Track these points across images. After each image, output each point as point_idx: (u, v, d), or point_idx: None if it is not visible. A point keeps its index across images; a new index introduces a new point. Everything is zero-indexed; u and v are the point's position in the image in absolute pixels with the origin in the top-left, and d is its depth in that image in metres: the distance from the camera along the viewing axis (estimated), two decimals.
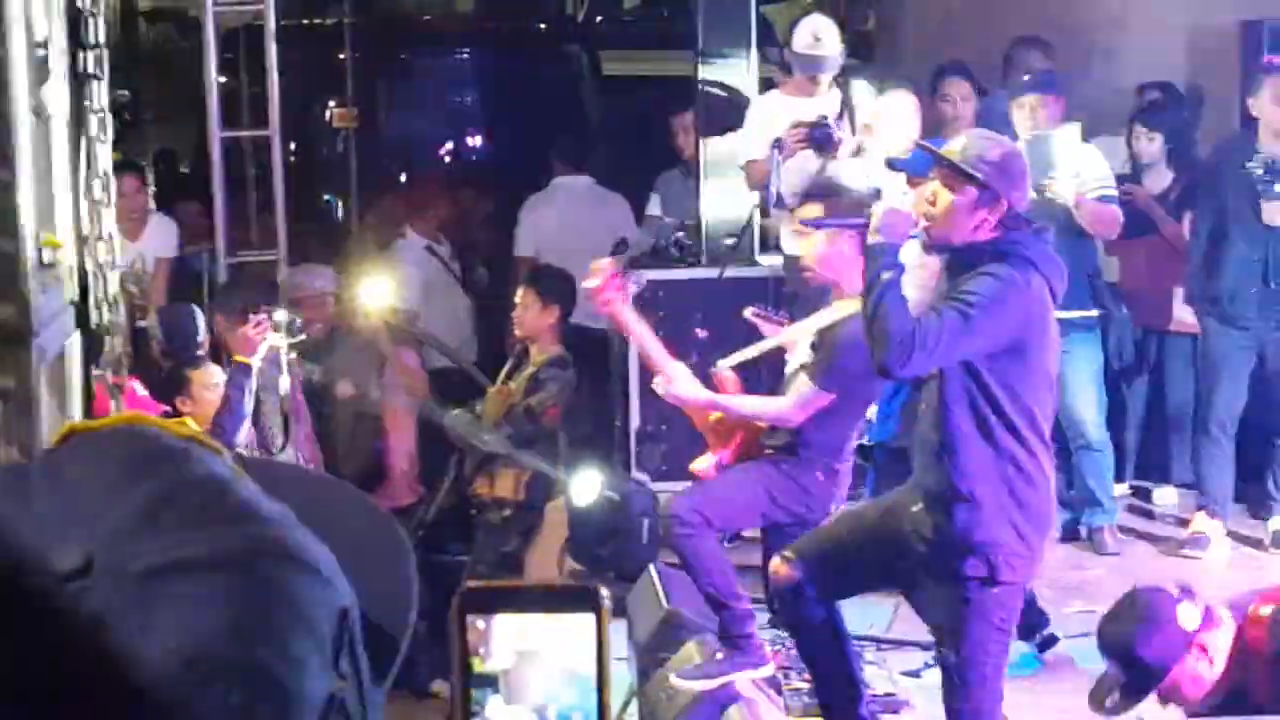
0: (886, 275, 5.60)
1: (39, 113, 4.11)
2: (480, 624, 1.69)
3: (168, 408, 7.49)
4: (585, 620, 1.70)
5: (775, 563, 6.20)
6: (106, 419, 1.48)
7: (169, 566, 1.28)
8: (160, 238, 10.63)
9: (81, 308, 4.42)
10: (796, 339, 7.12)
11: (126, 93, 8.53)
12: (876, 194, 6.85)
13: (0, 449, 3.95)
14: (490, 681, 1.69)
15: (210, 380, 7.80)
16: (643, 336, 7.20)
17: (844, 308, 6.63)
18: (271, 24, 10.61)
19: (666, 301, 9.87)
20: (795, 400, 6.85)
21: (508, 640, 1.69)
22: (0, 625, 1.24)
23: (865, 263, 5.81)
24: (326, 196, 13.28)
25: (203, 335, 8.54)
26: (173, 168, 14.02)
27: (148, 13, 13.56)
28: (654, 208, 11.33)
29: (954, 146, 5.80)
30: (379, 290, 9.48)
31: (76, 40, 4.45)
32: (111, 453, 1.37)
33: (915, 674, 7.47)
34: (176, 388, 7.87)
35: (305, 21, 13.12)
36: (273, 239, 10.46)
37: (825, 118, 9.02)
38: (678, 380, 7.06)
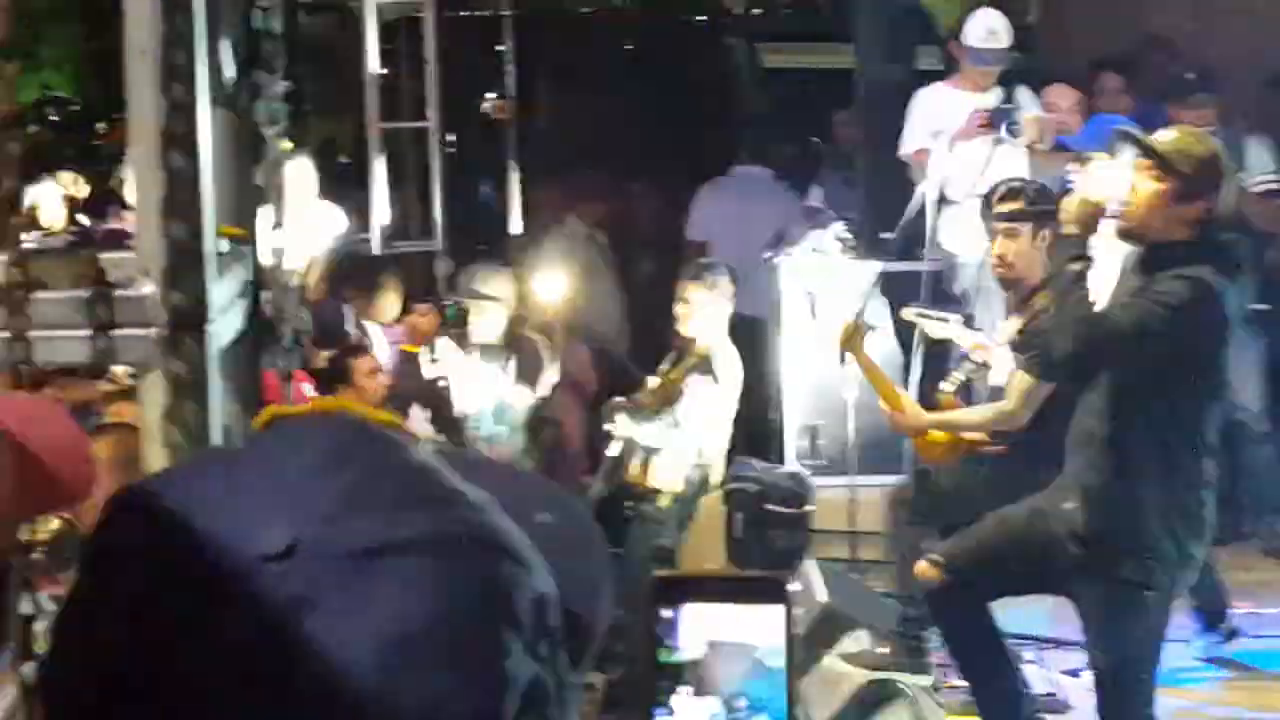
0: (1076, 266, 5.55)
1: (219, 101, 4.15)
2: (668, 614, 1.68)
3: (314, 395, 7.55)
4: (774, 611, 1.68)
5: (921, 566, 6.16)
6: (308, 405, 1.48)
7: (374, 550, 1.28)
8: (321, 227, 10.72)
9: (255, 296, 4.45)
10: (991, 341, 7.15)
11: (289, 83, 8.58)
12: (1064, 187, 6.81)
13: (171, 434, 3.99)
14: (678, 672, 1.67)
15: (372, 368, 7.86)
16: (877, 377, 7.39)
17: (1040, 301, 6.60)
18: (431, 16, 10.68)
19: (829, 294, 9.82)
20: (1020, 399, 6.82)
21: (696, 631, 1.67)
22: (204, 605, 1.24)
23: (1054, 253, 5.77)
24: (484, 188, 13.36)
25: (350, 325, 8.62)
26: (332, 158, 14.15)
27: (308, 4, 13.70)
28: (815, 200, 11.29)
29: (1164, 138, 5.74)
30: (548, 282, 9.50)
31: (250, 29, 4.49)
32: (315, 438, 1.37)
33: (1075, 673, 7.39)
34: (339, 376, 7.94)
35: (464, 13, 13.22)
36: (430, 230, 10.53)
37: (1007, 103, 8.97)
38: (908, 411, 7.19)
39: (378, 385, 7.73)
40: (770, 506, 8.54)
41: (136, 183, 4.05)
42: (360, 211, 11.16)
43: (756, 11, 16.47)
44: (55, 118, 16.29)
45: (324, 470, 1.33)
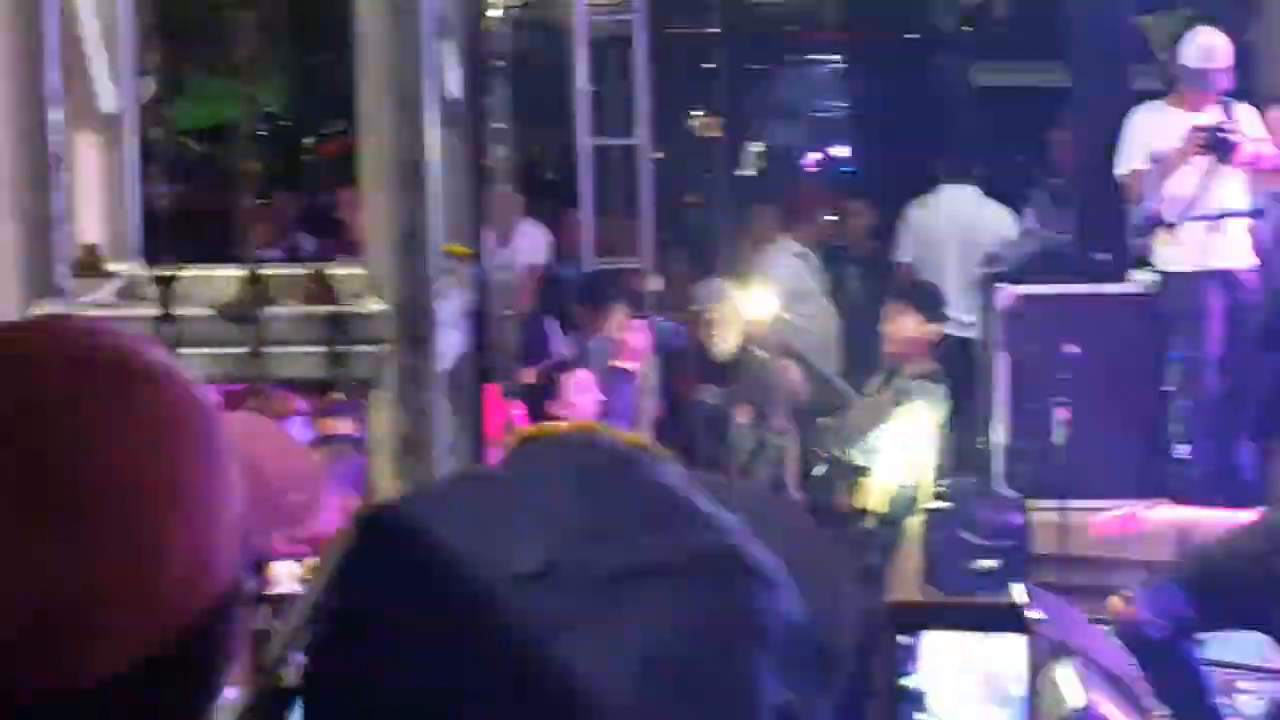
0: None
1: (445, 121, 4.19)
2: (906, 641, 1.66)
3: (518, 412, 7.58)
4: (1015, 641, 1.66)
5: (1114, 601, 6.08)
6: (559, 427, 1.48)
7: (629, 572, 1.27)
8: (529, 244, 10.79)
9: (478, 314, 4.50)
10: None
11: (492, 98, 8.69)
12: None
13: (398, 448, 4.03)
14: (917, 699, 1.66)
15: (583, 384, 7.87)
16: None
17: None
18: (641, 33, 10.71)
19: (1039, 315, 9.71)
20: None
21: (935, 658, 1.65)
22: (459, 624, 1.24)
23: None
24: (692, 204, 13.37)
25: (558, 342, 8.65)
26: (538, 174, 14.22)
27: (515, 20, 13.78)
28: (1029, 220, 11.17)
29: None
30: (759, 300, 9.49)
31: (476, 50, 4.53)
32: (568, 460, 1.36)
33: None
34: (548, 392, 7.97)
35: (673, 31, 13.23)
36: (637, 246, 10.55)
37: (1225, 123, 8.82)
38: None
39: (589, 402, 7.74)
40: (976, 529, 8.44)
41: (367, 201, 4.11)
42: (567, 228, 11.20)
43: (968, 29, 16.32)
44: (264, 132, 16.55)
45: (578, 493, 1.33)
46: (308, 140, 15.89)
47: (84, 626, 1.24)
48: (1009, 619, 1.45)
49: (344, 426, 6.27)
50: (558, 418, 7.53)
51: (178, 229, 5.61)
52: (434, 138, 4.05)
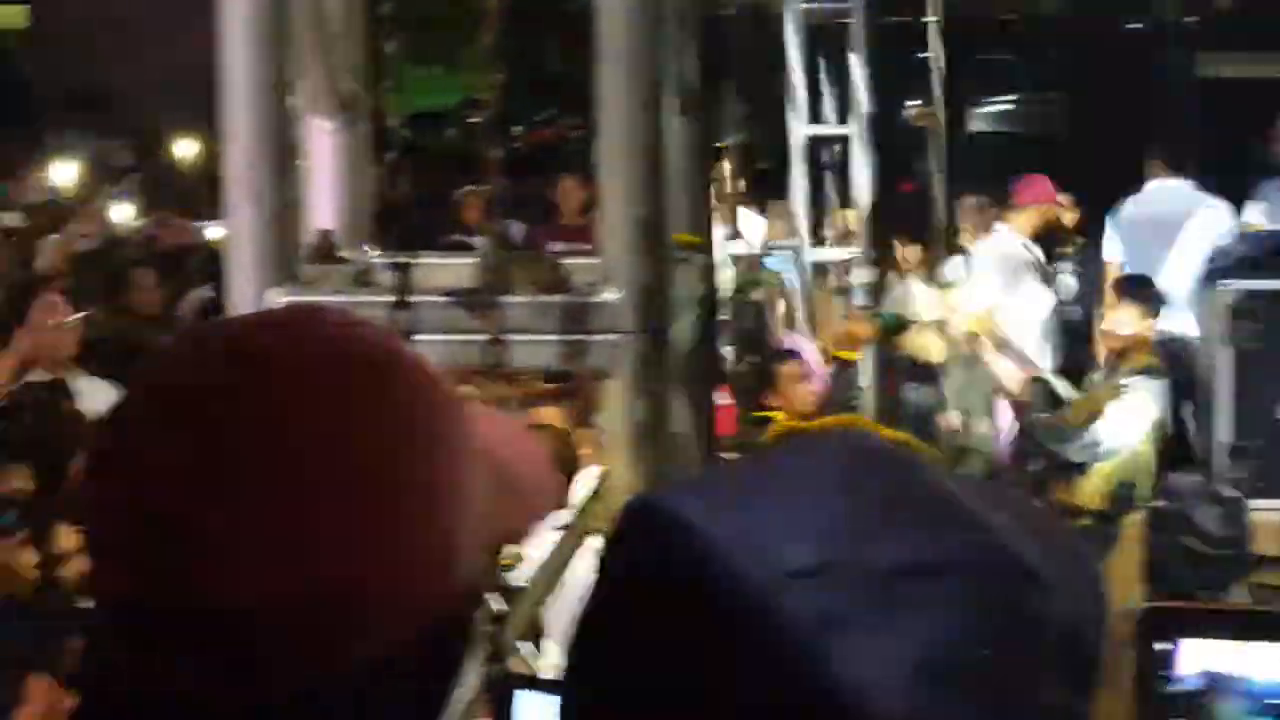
0: None
1: (679, 110, 4.19)
2: (1164, 646, 1.61)
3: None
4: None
5: None
6: (820, 421, 1.46)
7: (903, 571, 1.25)
8: (749, 233, 10.77)
9: (709, 303, 4.49)
10: None
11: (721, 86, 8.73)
12: None
13: (633, 438, 4.04)
14: (1175, 707, 1.60)
15: (800, 374, 7.83)
16: None
17: None
18: (857, 22, 10.65)
19: (1265, 312, 9.52)
20: None
21: (1194, 665, 1.60)
22: (729, 620, 1.23)
23: None
24: (906, 194, 13.27)
25: (775, 331, 8.63)
26: (750, 164, 14.20)
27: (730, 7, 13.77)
28: (1253, 215, 10.95)
29: None
30: (975, 293, 9.41)
31: (709, 39, 4.53)
32: (834, 455, 1.34)
33: None
34: (765, 383, 7.94)
35: (888, 19, 13.14)
36: (849, 238, 10.49)
37: None
38: None
39: (806, 393, 7.69)
40: (1196, 529, 8.31)
41: (603, 190, 4.12)
42: (778, 218, 11.17)
43: (1192, 19, 16.04)
44: (474, 120, 16.67)
45: (845, 488, 1.31)
46: (517, 128, 16.02)
47: (341, 616, 1.25)
48: (1276, 627, 1.39)
49: (553, 416, 6.30)
50: (772, 408, 7.51)
51: (397, 215, 5.68)
52: (671, 126, 4.05)
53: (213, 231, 12.24)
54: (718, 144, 6.76)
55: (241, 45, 4.11)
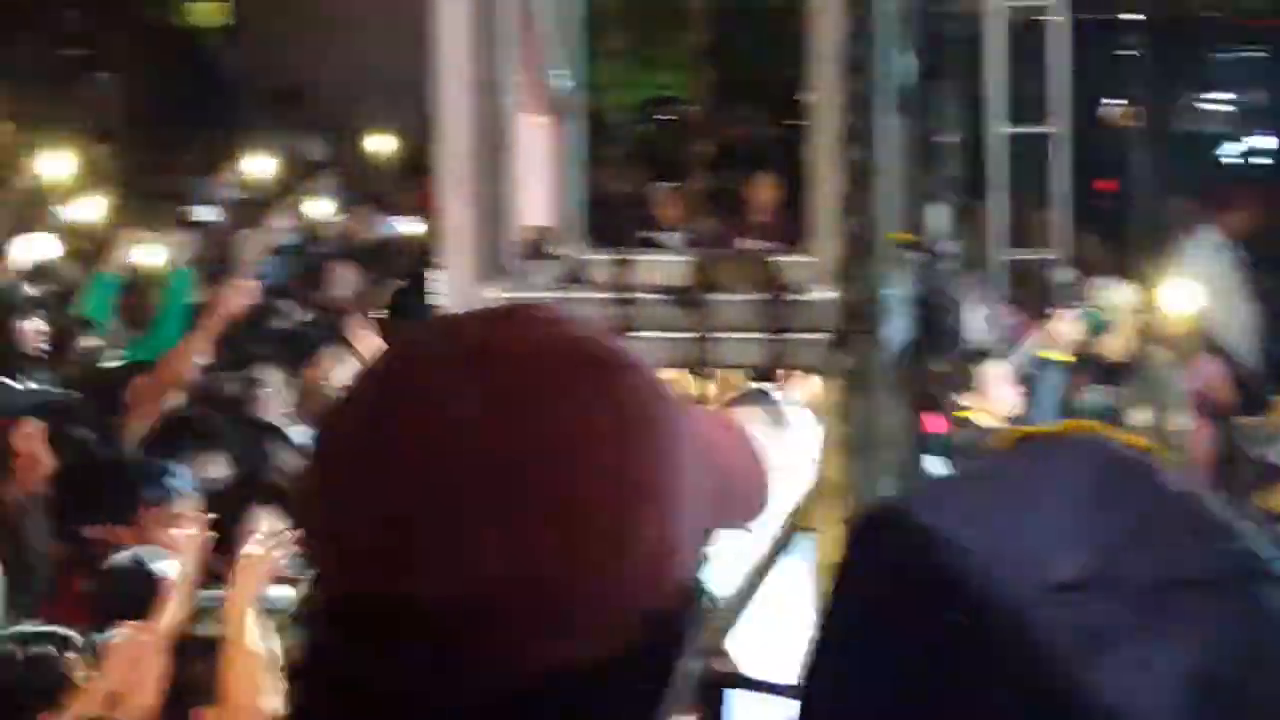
0: None
1: (896, 108, 4.16)
2: None
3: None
4: None
5: None
6: (1058, 427, 1.43)
7: (1171, 583, 1.23)
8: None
9: (923, 302, 4.45)
10: None
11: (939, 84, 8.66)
12: None
13: (842, 437, 4.02)
14: None
15: (1002, 374, 7.73)
16: None
17: None
18: (1059, 17, 10.53)
19: None
20: None
21: None
22: (983, 631, 1.21)
23: None
24: (1107, 195, 13.11)
25: (979, 331, 8.52)
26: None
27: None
28: None
29: None
30: (1179, 293, 9.26)
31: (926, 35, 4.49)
32: (1081, 464, 1.32)
33: None
34: (960, 383, 7.86)
35: (1089, 17, 12.98)
36: (1049, 238, 10.37)
37: None
38: None
39: (1008, 396, 7.59)
40: None
41: (816, 189, 4.10)
42: (971, 217, 11.05)
43: None
44: (664, 118, 16.66)
45: (1099, 499, 1.29)
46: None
47: (557, 614, 1.25)
48: None
49: (750, 416, 6.29)
50: (968, 410, 7.44)
51: (605, 212, 5.70)
52: (884, 121, 4.03)
53: (408, 226, 12.37)
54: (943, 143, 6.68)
55: (456, 43, 4.14)
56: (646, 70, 16.35)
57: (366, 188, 13.94)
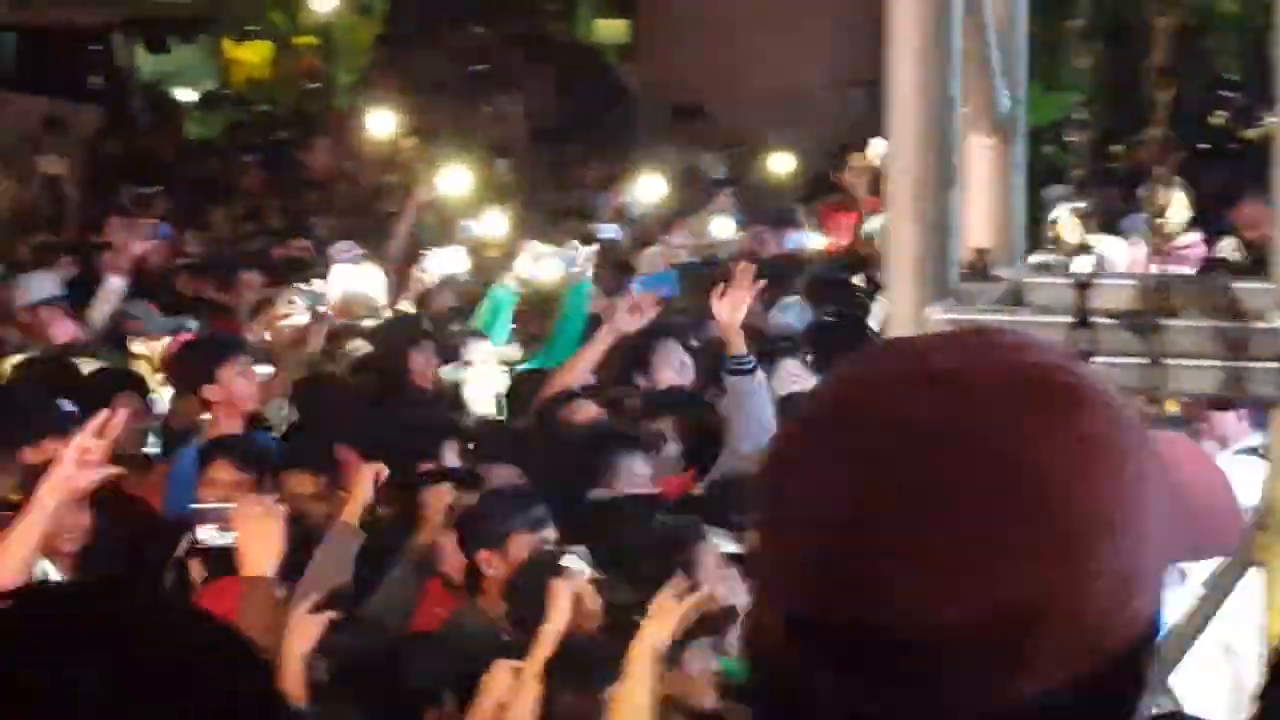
0: None
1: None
2: None
3: None
4: None
5: None
6: None
7: None
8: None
9: None
10: None
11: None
12: None
13: None
14: None
15: None
16: None
17: None
18: None
19: None
20: None
21: None
22: None
23: None
24: None
25: None
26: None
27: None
28: None
29: None
30: None
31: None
32: None
33: None
34: None
35: None
36: None
37: None
38: None
39: None
40: None
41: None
42: None
43: None
44: (1072, 139, 16.38)
45: None
46: (1117, 148, 15.69)
47: (1023, 642, 1.23)
48: None
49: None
50: None
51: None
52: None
53: (810, 242, 12.36)
54: None
55: (909, 63, 4.13)
56: (1052, 90, 16.10)
57: (766, 205, 13.99)
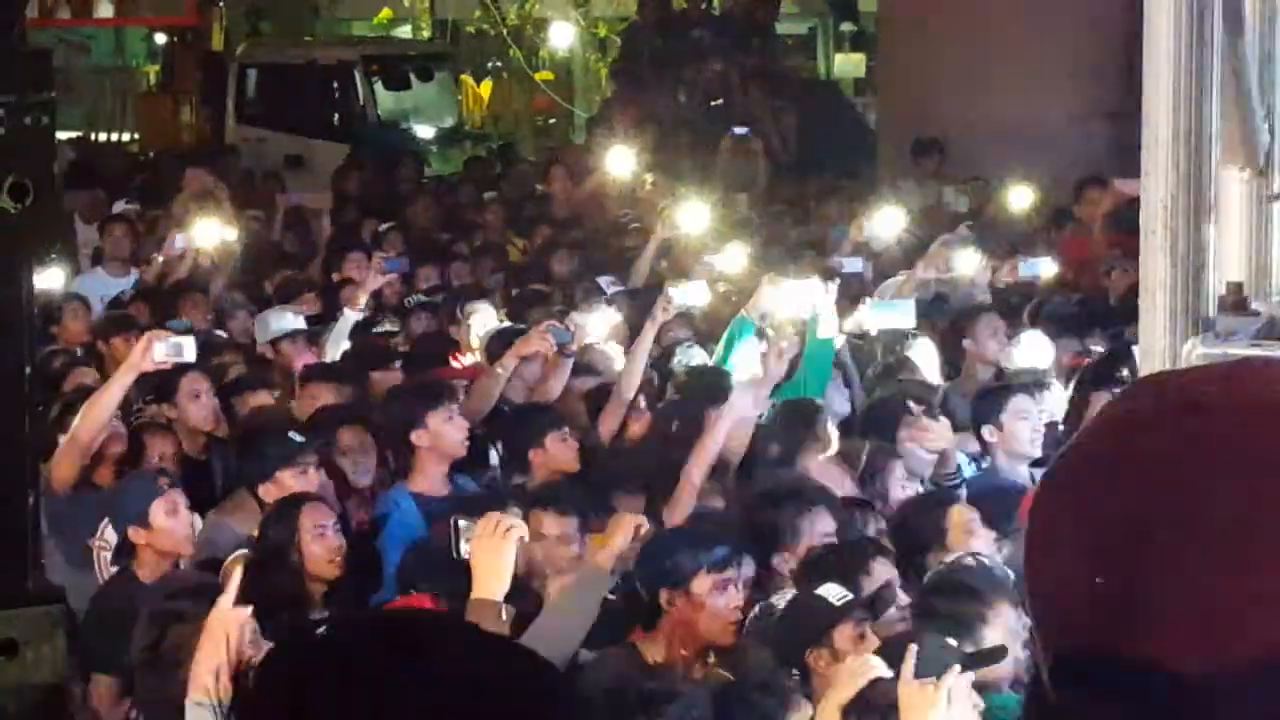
0: None
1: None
2: None
3: None
4: None
5: None
6: None
7: None
8: None
9: None
10: None
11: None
12: None
13: None
14: None
15: None
16: None
17: None
18: None
19: None
20: None
21: None
22: None
23: None
24: None
25: None
26: None
27: None
28: None
29: None
30: None
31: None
32: None
33: None
34: None
35: None
36: None
37: None
38: None
39: None
40: None
41: None
42: None
43: None
44: None
45: None
46: None
47: None
48: None
49: None
50: None
51: None
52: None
53: (1049, 272, 12.21)
54: None
55: (1165, 96, 4.08)
56: None
57: (1008, 239, 13.88)
